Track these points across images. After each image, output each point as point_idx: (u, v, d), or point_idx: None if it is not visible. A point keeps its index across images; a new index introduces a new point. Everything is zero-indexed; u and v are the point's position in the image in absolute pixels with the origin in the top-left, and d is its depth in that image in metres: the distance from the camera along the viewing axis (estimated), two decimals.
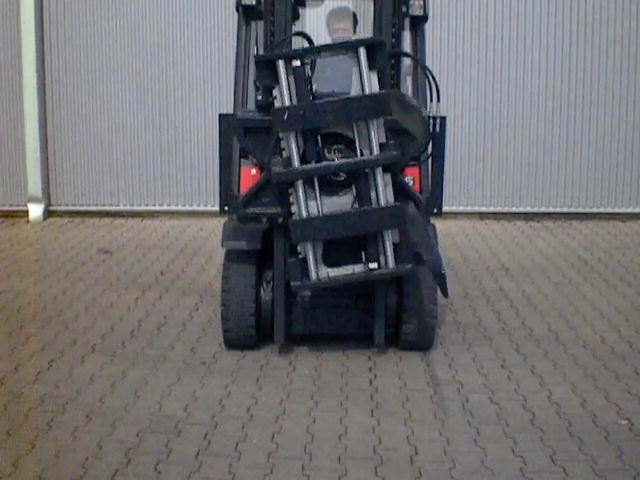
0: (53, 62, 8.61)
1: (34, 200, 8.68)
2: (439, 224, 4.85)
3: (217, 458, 3.59)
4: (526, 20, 8.42)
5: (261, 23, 4.77)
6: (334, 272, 4.32)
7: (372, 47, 4.15)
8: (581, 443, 3.72)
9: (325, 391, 4.33)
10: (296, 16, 5.06)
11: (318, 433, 3.83)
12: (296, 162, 4.17)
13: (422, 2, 4.80)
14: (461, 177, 8.50)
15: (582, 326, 5.35)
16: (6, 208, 8.82)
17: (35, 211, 8.67)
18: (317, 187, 4.23)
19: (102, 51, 8.58)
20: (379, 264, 4.31)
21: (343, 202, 4.29)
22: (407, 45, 5.18)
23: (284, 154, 4.21)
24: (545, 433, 3.82)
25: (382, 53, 4.18)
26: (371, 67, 4.17)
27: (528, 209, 8.69)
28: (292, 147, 4.18)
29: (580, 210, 8.66)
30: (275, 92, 4.19)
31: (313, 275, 4.29)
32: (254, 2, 4.86)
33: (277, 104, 4.18)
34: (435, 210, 4.54)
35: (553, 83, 8.50)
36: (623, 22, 8.39)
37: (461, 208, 8.61)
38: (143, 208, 8.79)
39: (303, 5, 5.26)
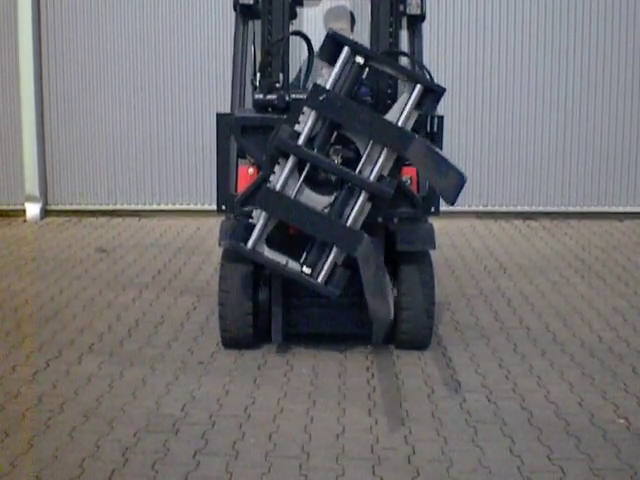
0: (50, 61, 8.60)
1: (31, 199, 8.68)
2: (436, 223, 4.84)
3: (215, 457, 3.59)
4: (523, 21, 8.44)
5: (259, 22, 4.76)
6: (269, 254, 4.25)
7: (430, 90, 4.12)
8: (579, 442, 3.72)
9: (323, 390, 4.33)
10: (293, 15, 5.06)
11: (316, 432, 3.83)
12: (301, 140, 4.14)
13: (420, 1, 4.79)
14: None
15: (579, 325, 5.36)
16: (3, 207, 8.83)
17: (32, 210, 8.67)
18: (304, 173, 4.19)
19: (99, 51, 8.58)
20: (312, 273, 4.24)
21: (318, 201, 4.24)
22: (405, 44, 5.18)
23: (297, 127, 4.16)
24: (543, 432, 3.82)
25: (435, 102, 4.15)
26: (417, 106, 4.14)
27: (526, 208, 8.70)
28: (307, 126, 4.13)
29: (577, 209, 8.67)
30: (326, 71, 4.14)
31: (250, 244, 4.20)
32: (252, 1, 4.85)
33: (320, 81, 4.15)
34: (432, 209, 4.54)
35: (550, 83, 8.51)
36: (620, 21, 8.40)
37: (458, 207, 8.55)
38: (140, 207, 8.79)
39: (300, 4, 5.26)
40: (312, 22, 6.23)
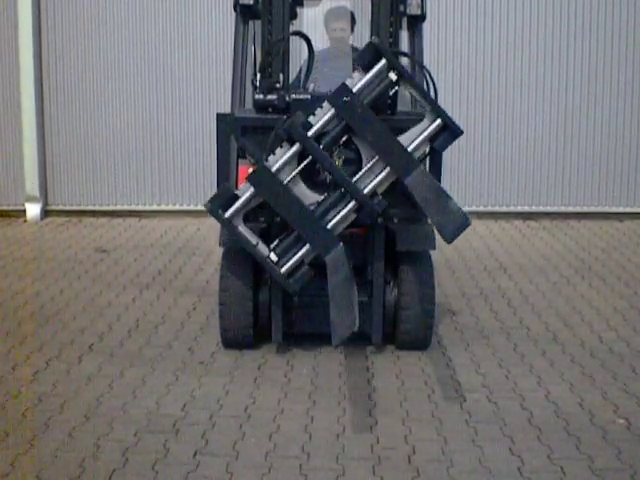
0: (50, 62, 8.60)
1: (31, 199, 8.67)
2: None
3: (215, 457, 3.59)
4: (523, 19, 8.43)
5: (259, 22, 4.76)
6: (243, 230, 4.27)
7: (448, 129, 4.13)
8: (579, 442, 3.72)
9: (323, 390, 4.33)
10: (294, 15, 5.06)
11: (316, 432, 3.83)
12: (311, 132, 4.14)
13: (420, 1, 4.80)
14: (458, 177, 8.50)
15: (580, 325, 5.36)
16: (3, 207, 8.82)
17: (32, 210, 8.66)
18: (303, 165, 4.19)
19: (100, 52, 8.57)
20: (278, 262, 4.25)
21: (307, 196, 4.25)
22: (405, 44, 5.18)
23: (311, 118, 4.15)
24: (543, 432, 3.82)
25: (450, 141, 4.16)
26: (431, 140, 4.15)
27: (526, 208, 8.70)
28: (322, 120, 4.13)
29: (577, 210, 8.67)
30: (357, 75, 4.14)
31: (228, 214, 4.22)
32: (252, 1, 4.85)
33: (349, 82, 4.14)
34: None
35: (550, 82, 8.51)
36: (621, 19, 8.39)
37: None
38: (141, 207, 8.79)
39: (301, 5, 5.26)
40: (312, 22, 6.23)
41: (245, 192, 4.23)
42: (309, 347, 4.90)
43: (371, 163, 4.19)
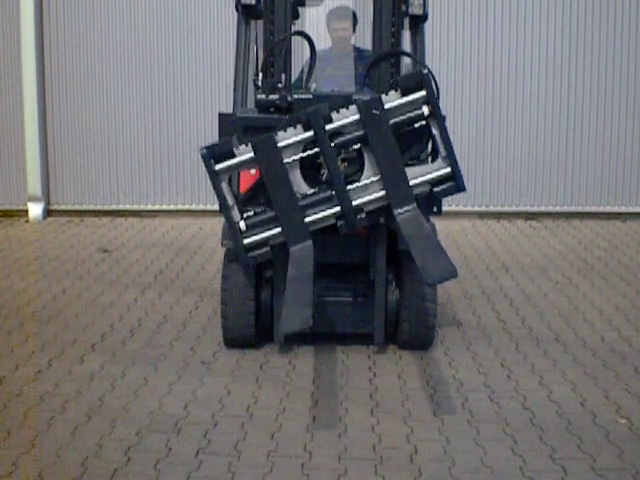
0: (53, 62, 8.62)
1: (34, 199, 8.69)
2: (438, 223, 4.85)
3: (217, 457, 3.59)
4: (525, 18, 8.43)
5: (261, 22, 4.76)
6: (225, 187, 4.27)
7: (454, 180, 4.15)
8: (581, 442, 3.72)
9: (325, 390, 4.33)
10: (296, 15, 5.06)
11: (318, 432, 3.83)
12: (330, 126, 4.12)
13: (422, 1, 4.79)
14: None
15: (582, 325, 5.36)
16: (6, 207, 8.84)
17: (35, 210, 8.68)
18: (306, 154, 4.18)
19: (102, 51, 8.59)
20: (244, 232, 4.23)
21: (298, 184, 4.23)
22: (407, 44, 5.18)
23: (334, 114, 4.13)
24: (545, 432, 3.82)
25: (450, 193, 4.19)
26: (433, 184, 4.17)
27: (528, 208, 8.70)
28: (344, 120, 4.12)
29: (580, 209, 8.67)
30: (394, 95, 4.14)
31: (217, 166, 4.20)
32: (254, 1, 4.85)
33: (384, 98, 4.12)
34: (434, 209, 4.54)
35: (553, 81, 8.51)
36: (623, 19, 8.40)
37: (461, 207, 8.61)
38: (143, 207, 8.80)
39: (303, 4, 5.26)
40: (314, 22, 6.23)
41: (243, 154, 4.20)
42: (311, 347, 4.90)
43: (370, 180, 4.19)
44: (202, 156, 4.20)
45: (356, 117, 4.12)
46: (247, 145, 4.17)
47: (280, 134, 4.16)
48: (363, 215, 4.22)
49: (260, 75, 4.59)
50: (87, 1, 8.52)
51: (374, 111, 4.08)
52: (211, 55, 8.54)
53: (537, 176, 8.64)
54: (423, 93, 4.11)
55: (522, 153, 8.61)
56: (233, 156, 4.19)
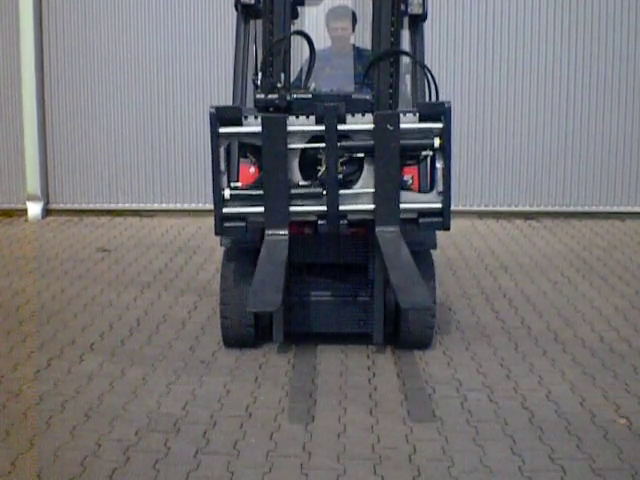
0: (52, 61, 8.61)
1: (33, 198, 8.68)
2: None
3: (216, 457, 3.59)
4: (525, 18, 8.43)
5: (260, 22, 4.76)
6: (221, 155, 4.34)
7: (441, 217, 4.21)
8: (580, 442, 3.72)
9: (324, 389, 4.33)
10: (295, 15, 5.06)
11: (317, 432, 3.83)
12: (342, 127, 4.15)
13: (421, 1, 4.79)
14: (460, 176, 8.48)
15: (581, 325, 5.36)
16: (5, 206, 8.84)
17: (34, 209, 8.68)
18: (310, 145, 4.20)
19: (101, 51, 8.59)
20: (227, 202, 4.29)
21: (293, 173, 4.25)
22: (406, 44, 5.17)
23: (349, 117, 4.17)
24: (544, 432, 3.82)
25: (434, 226, 4.27)
26: (420, 214, 4.22)
27: (527, 208, 8.70)
28: (357, 126, 4.16)
29: (579, 209, 8.67)
30: (412, 118, 4.18)
31: (223, 130, 4.29)
32: (253, 1, 4.85)
33: (402, 117, 4.17)
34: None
35: (552, 83, 8.51)
36: (622, 19, 8.39)
37: (460, 207, 8.61)
38: (142, 206, 8.80)
39: (302, 4, 5.25)
40: (313, 22, 6.23)
41: (251, 125, 4.21)
42: (310, 346, 4.90)
43: (363, 191, 4.22)
44: (210, 114, 4.23)
45: (370, 126, 4.15)
46: (257, 118, 4.18)
47: (291, 119, 4.18)
48: (345, 222, 4.24)
49: (259, 74, 4.58)
50: (86, 4, 8.52)
51: (389, 126, 4.09)
52: (210, 55, 8.54)
53: (536, 176, 8.64)
54: (440, 125, 4.14)
55: (521, 153, 8.61)
56: (240, 124, 4.21)
